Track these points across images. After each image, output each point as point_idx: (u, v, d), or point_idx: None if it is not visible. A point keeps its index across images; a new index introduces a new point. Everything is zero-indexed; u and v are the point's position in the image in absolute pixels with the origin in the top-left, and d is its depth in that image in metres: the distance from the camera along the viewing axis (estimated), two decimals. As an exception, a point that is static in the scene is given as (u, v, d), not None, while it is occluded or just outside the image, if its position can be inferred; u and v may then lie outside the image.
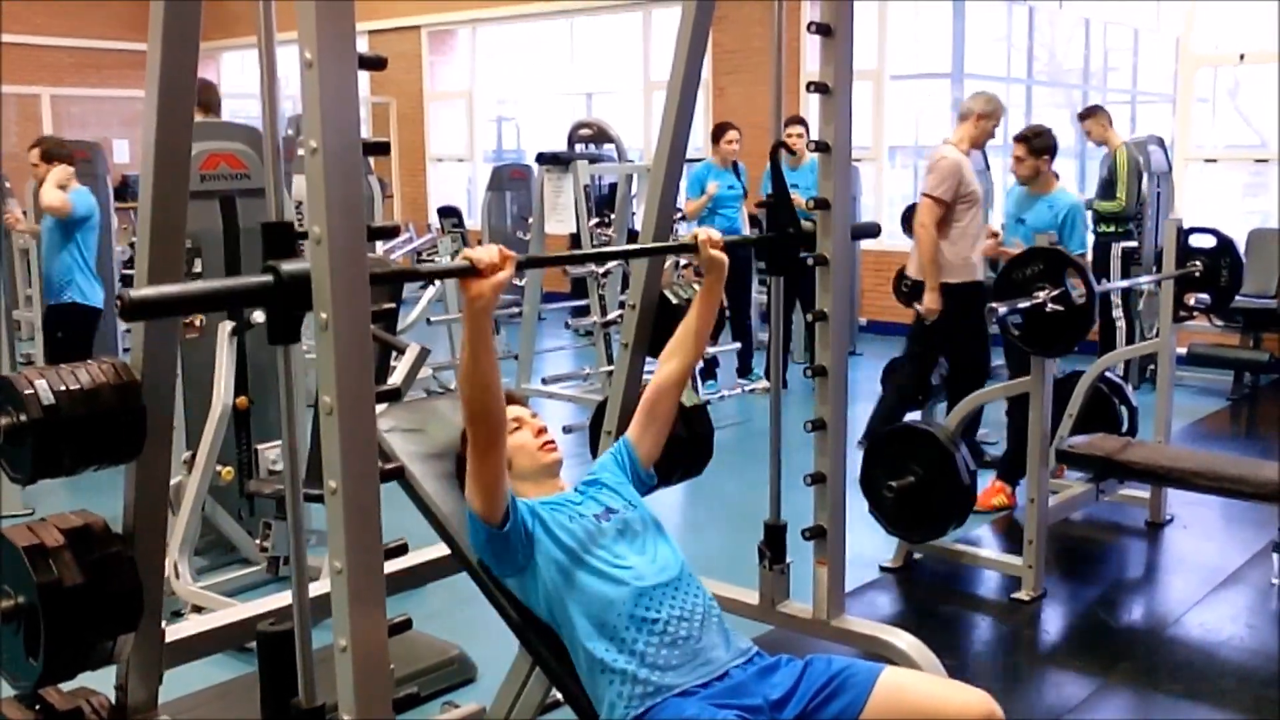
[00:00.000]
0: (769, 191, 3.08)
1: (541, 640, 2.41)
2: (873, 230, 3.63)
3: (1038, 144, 5.46)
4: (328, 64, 1.66)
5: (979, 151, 8.83)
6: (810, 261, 3.04)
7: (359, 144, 1.72)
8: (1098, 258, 7.60)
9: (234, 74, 16.21)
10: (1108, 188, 7.70)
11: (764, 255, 3.20)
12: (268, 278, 1.78)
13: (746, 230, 7.97)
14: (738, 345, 7.79)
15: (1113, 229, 7.67)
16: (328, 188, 1.68)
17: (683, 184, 4.57)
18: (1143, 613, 4.50)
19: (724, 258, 2.73)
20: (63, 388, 2.00)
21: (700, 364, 6.90)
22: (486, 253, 2.10)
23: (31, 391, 1.97)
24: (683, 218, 7.69)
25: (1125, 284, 5.95)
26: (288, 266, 1.77)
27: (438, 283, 8.06)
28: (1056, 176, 5.79)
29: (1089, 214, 7.44)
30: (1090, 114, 8.08)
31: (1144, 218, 8.04)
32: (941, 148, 5.50)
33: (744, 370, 7.83)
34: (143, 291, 1.74)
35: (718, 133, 7.78)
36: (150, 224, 2.14)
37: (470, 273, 2.10)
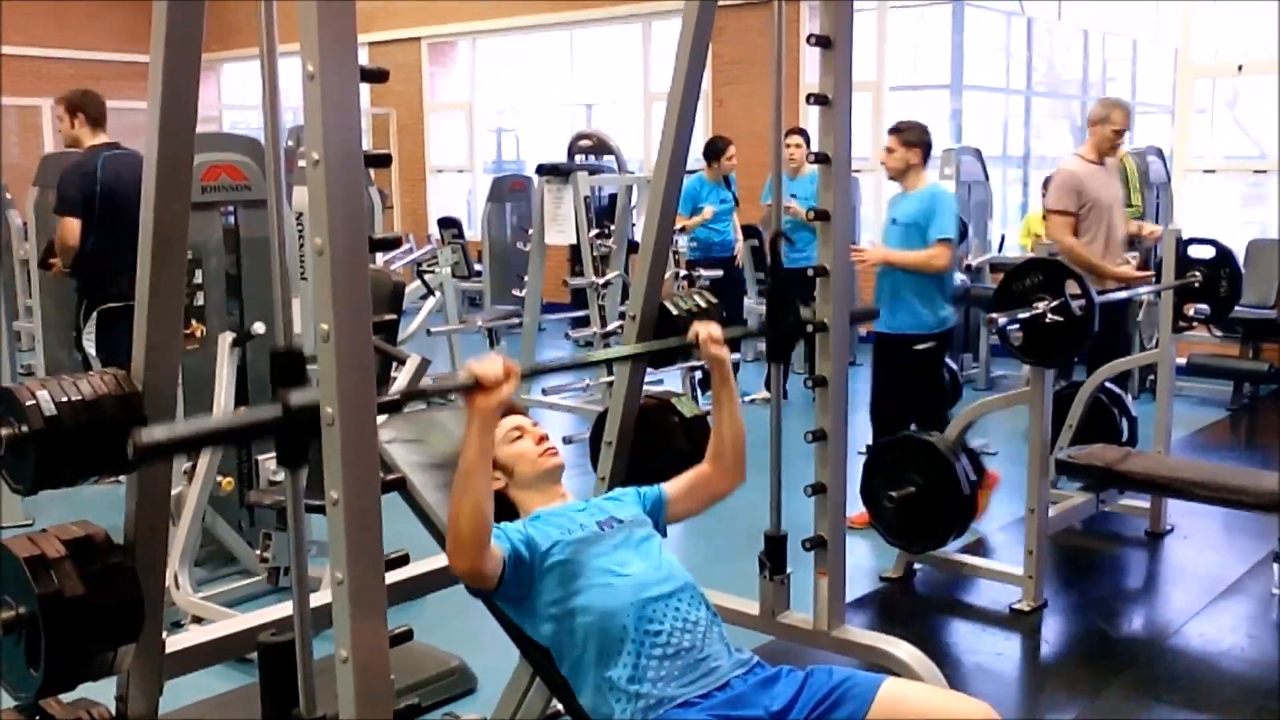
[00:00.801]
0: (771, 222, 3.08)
1: (542, 651, 2.41)
2: (870, 315, 3.66)
3: (910, 136, 5.23)
4: (329, 76, 1.67)
5: (974, 157, 8.89)
6: (810, 272, 3.05)
7: (360, 156, 1.73)
8: None
9: (235, 85, 16.23)
10: None
11: (766, 344, 3.19)
12: (276, 410, 1.81)
13: (740, 241, 8.03)
14: (735, 356, 7.79)
15: None
16: (329, 199, 1.68)
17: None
18: (1143, 623, 4.50)
19: (726, 354, 2.68)
20: (64, 398, 2.00)
21: (700, 374, 6.91)
22: (491, 368, 2.11)
23: (33, 402, 1.97)
24: (681, 230, 7.70)
25: (1125, 294, 5.95)
26: (296, 397, 1.80)
27: (438, 293, 8.08)
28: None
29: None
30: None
31: None
32: (1062, 160, 5.54)
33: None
34: (154, 434, 1.76)
35: (717, 150, 7.80)
36: (152, 235, 2.14)
37: (475, 388, 2.11)
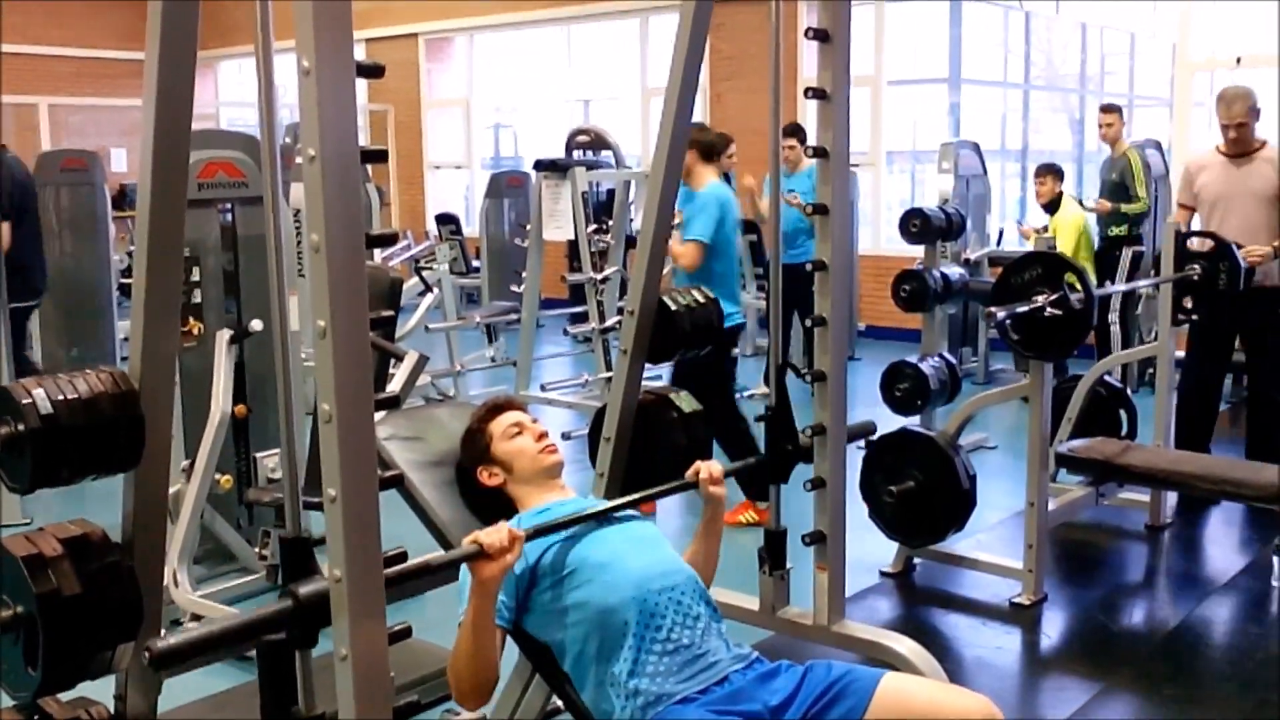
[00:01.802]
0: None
1: (542, 648, 2.41)
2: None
3: (697, 136, 5.21)
4: (326, 72, 1.66)
5: (973, 152, 8.89)
6: (809, 267, 3.05)
7: (357, 152, 1.72)
8: (1104, 261, 7.62)
9: (231, 83, 16.22)
10: (1117, 190, 7.71)
11: (768, 471, 3.19)
12: (287, 603, 1.85)
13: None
14: (734, 352, 7.77)
15: (1125, 231, 7.70)
16: (326, 195, 1.68)
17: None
18: (1143, 616, 4.50)
19: (724, 494, 2.69)
20: (61, 397, 2.00)
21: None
22: (496, 535, 2.13)
23: (29, 401, 1.97)
24: (678, 225, 7.68)
25: (1124, 288, 5.95)
26: (305, 590, 1.84)
27: (436, 289, 8.07)
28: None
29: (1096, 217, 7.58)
30: (1115, 110, 8.17)
31: (1156, 221, 8.07)
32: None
33: None
34: (168, 643, 1.82)
35: (718, 148, 7.78)
36: (149, 232, 2.13)
37: (479, 556, 2.12)
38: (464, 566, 2.22)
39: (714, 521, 2.70)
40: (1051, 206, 7.78)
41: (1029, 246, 6.88)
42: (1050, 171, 7.96)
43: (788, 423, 3.07)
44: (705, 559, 2.66)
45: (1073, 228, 7.61)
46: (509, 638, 2.41)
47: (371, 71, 1.79)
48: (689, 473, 2.69)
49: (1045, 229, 7.44)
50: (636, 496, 2.67)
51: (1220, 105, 5.45)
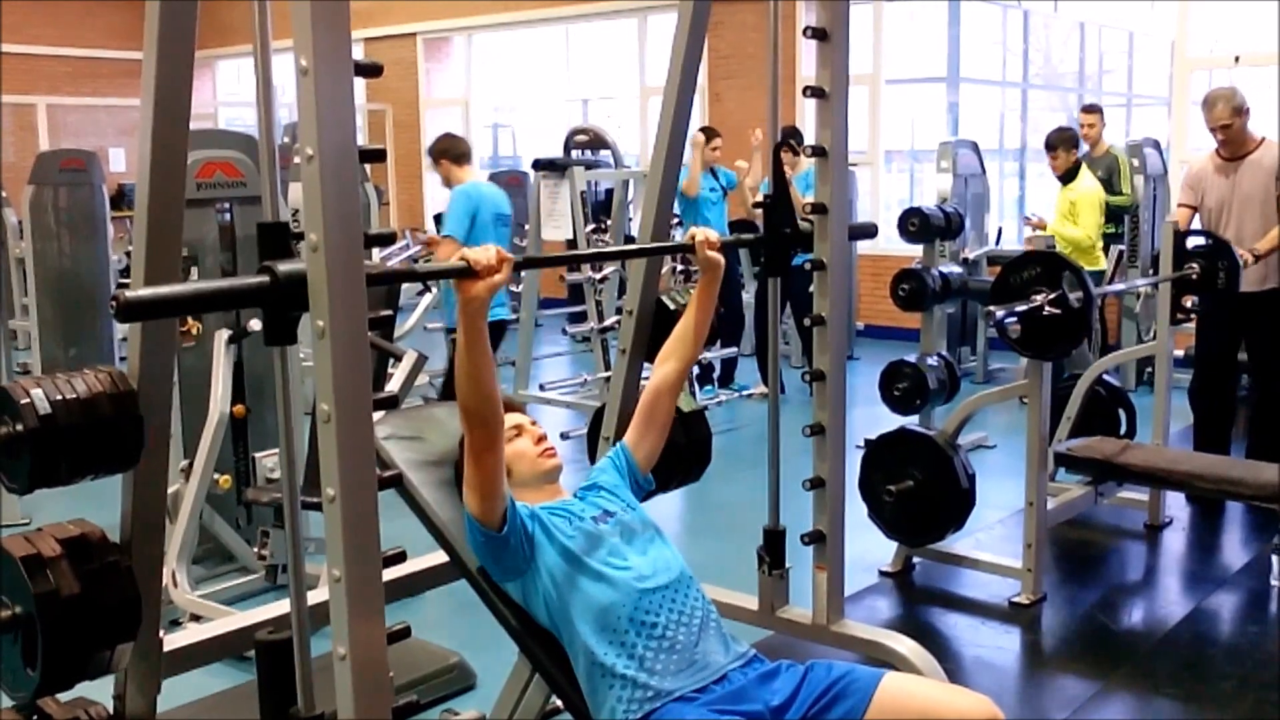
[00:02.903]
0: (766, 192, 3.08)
1: (541, 647, 2.41)
2: (870, 230, 3.62)
3: (433, 148, 5.97)
4: (324, 71, 1.66)
5: (971, 151, 8.89)
6: (807, 266, 3.04)
7: (355, 151, 1.72)
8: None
9: (229, 82, 16.21)
10: (1105, 186, 7.70)
11: (761, 255, 3.19)
12: (264, 278, 1.78)
13: (727, 233, 7.99)
14: (733, 350, 7.78)
15: (1112, 229, 7.70)
16: (324, 195, 1.67)
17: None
18: (1142, 616, 4.50)
19: (720, 258, 2.73)
20: (59, 397, 1.99)
21: (697, 369, 6.90)
22: (484, 254, 2.11)
23: (28, 401, 1.97)
24: (679, 223, 7.69)
25: (1122, 287, 5.95)
26: (284, 267, 1.78)
27: (434, 289, 8.07)
28: None
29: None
30: (1096, 111, 8.15)
31: (1139, 220, 8.11)
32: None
33: (726, 379, 7.81)
34: (138, 293, 1.74)
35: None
36: (147, 232, 2.13)
37: (467, 274, 2.10)
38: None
39: (710, 287, 2.77)
40: (1068, 176, 7.05)
41: (1042, 233, 6.84)
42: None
43: (786, 208, 3.05)
44: (696, 318, 2.75)
45: (1091, 202, 6.92)
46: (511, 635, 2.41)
47: (370, 71, 1.79)
48: (686, 236, 2.76)
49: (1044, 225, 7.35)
50: (633, 249, 2.80)
51: (1203, 109, 5.45)
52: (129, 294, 1.71)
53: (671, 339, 2.79)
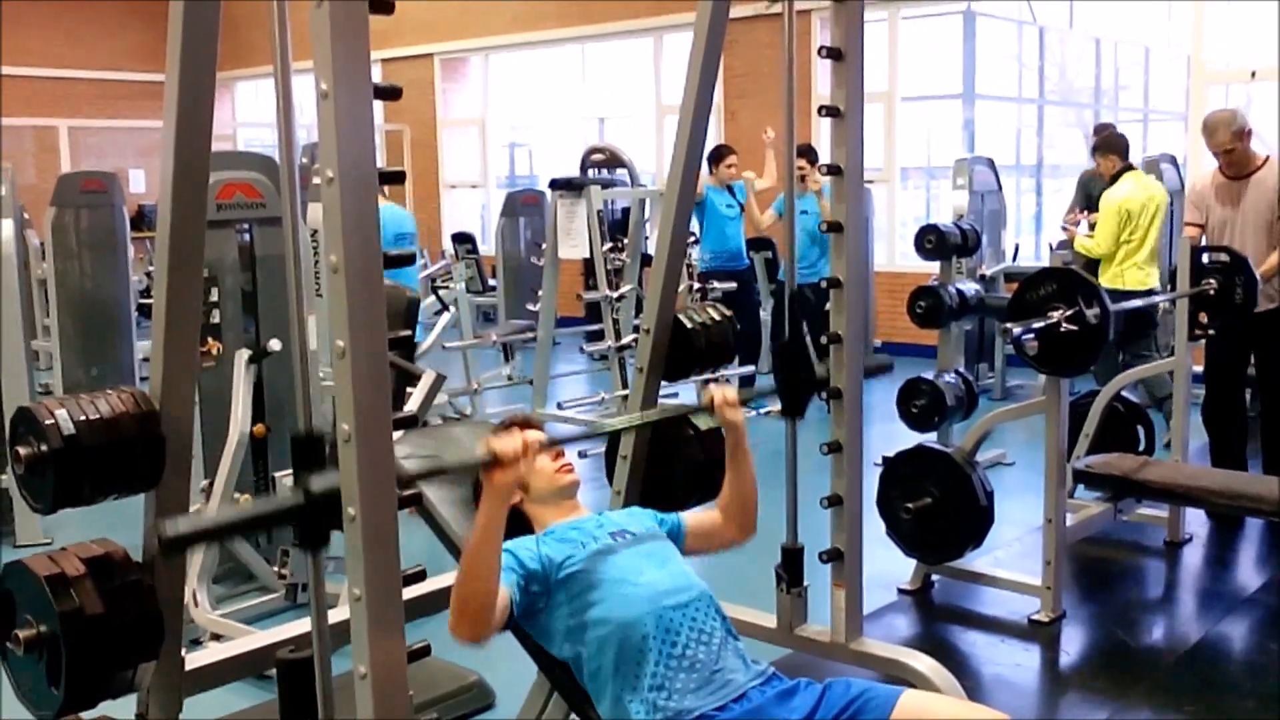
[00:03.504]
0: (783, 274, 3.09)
1: (559, 666, 2.41)
2: (886, 367, 3.66)
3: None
4: (343, 95, 1.68)
5: (987, 167, 8.88)
6: (824, 284, 3.05)
7: (375, 173, 1.74)
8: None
9: (248, 103, 16.31)
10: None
11: (779, 396, 3.19)
12: (299, 497, 1.83)
13: (743, 250, 8.01)
14: (750, 368, 7.77)
15: None
16: (344, 216, 1.69)
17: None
18: (1162, 633, 4.47)
19: (741, 417, 2.66)
20: (83, 417, 2.02)
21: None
22: (509, 444, 2.10)
23: (52, 421, 1.99)
24: (695, 242, 7.71)
25: (1139, 303, 5.93)
26: (317, 484, 1.82)
27: (452, 308, 8.10)
28: None
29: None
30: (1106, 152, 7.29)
31: (1173, 236, 8.04)
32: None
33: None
34: (178, 528, 1.78)
35: (716, 156, 7.83)
36: (169, 253, 2.16)
37: (492, 464, 2.10)
38: None
39: (738, 447, 2.67)
40: (1112, 182, 6.67)
41: (1081, 228, 6.73)
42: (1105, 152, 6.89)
43: (801, 354, 3.05)
44: (741, 485, 2.66)
45: (1107, 210, 6.52)
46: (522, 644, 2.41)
47: (389, 94, 1.81)
48: (704, 399, 2.66)
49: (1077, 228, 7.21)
50: (651, 416, 2.75)
51: (1204, 135, 5.42)
52: (169, 531, 1.76)
53: (729, 504, 2.69)
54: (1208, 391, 5.62)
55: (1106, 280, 6.33)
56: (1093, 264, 6.47)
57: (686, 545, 2.65)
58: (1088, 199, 7.64)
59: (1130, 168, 6.68)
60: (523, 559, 2.33)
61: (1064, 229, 7.27)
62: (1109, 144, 6.77)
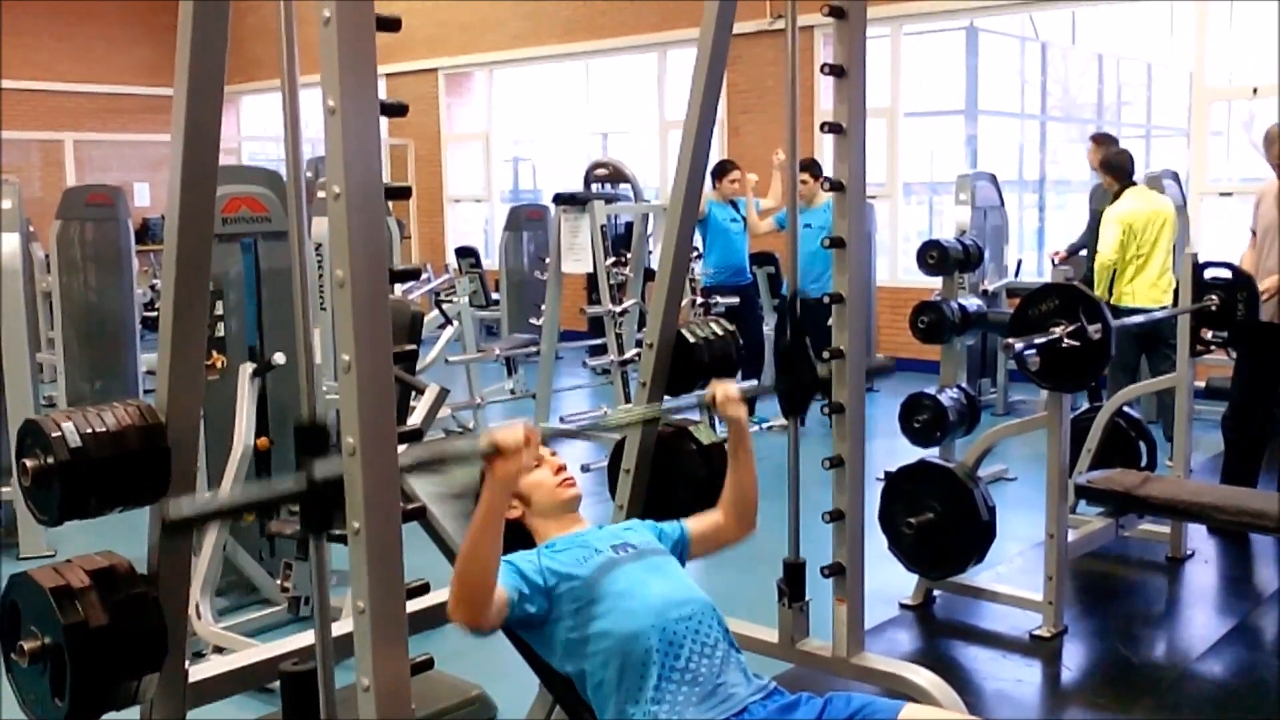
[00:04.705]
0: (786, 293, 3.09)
1: (561, 679, 2.41)
2: (887, 369, 3.66)
3: None
4: (351, 111, 1.69)
5: (990, 183, 8.89)
6: (826, 299, 3.06)
7: (381, 189, 1.75)
8: None
9: (253, 117, 16.36)
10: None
11: (780, 399, 3.18)
12: (302, 483, 1.85)
13: (746, 265, 8.02)
14: (753, 382, 7.78)
15: None
16: (351, 232, 1.71)
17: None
18: (1164, 649, 4.47)
19: (744, 412, 2.68)
20: (89, 430, 2.03)
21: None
22: (511, 436, 2.10)
23: (59, 434, 2.00)
24: (699, 256, 7.73)
25: (1141, 319, 5.94)
26: (321, 471, 1.83)
27: (456, 322, 8.11)
28: None
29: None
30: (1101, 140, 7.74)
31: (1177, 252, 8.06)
32: None
33: (747, 411, 7.80)
34: (183, 510, 1.79)
35: (720, 171, 7.85)
36: (175, 267, 2.17)
37: (494, 455, 2.10)
38: None
39: (741, 443, 2.69)
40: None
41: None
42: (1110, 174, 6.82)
43: (804, 356, 3.05)
44: (742, 480, 2.68)
45: (1108, 220, 6.58)
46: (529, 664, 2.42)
47: (395, 110, 1.82)
48: (706, 394, 2.68)
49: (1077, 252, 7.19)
50: (652, 410, 2.80)
51: (1264, 146, 5.47)
52: (174, 513, 1.76)
53: (731, 501, 2.71)
54: (1234, 403, 5.59)
55: (1121, 298, 6.37)
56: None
57: (692, 550, 2.67)
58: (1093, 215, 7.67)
59: (1132, 184, 6.70)
60: (524, 570, 2.34)
61: (1054, 264, 7.32)
62: (1108, 165, 6.80)
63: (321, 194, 1.73)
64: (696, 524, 2.70)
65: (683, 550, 2.65)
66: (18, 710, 2.17)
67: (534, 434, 2.13)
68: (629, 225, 8.73)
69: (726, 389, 2.66)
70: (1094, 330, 4.07)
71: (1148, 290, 6.48)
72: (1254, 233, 5.59)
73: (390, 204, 10.55)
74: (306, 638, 2.68)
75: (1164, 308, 6.34)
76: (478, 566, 2.15)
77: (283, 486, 1.86)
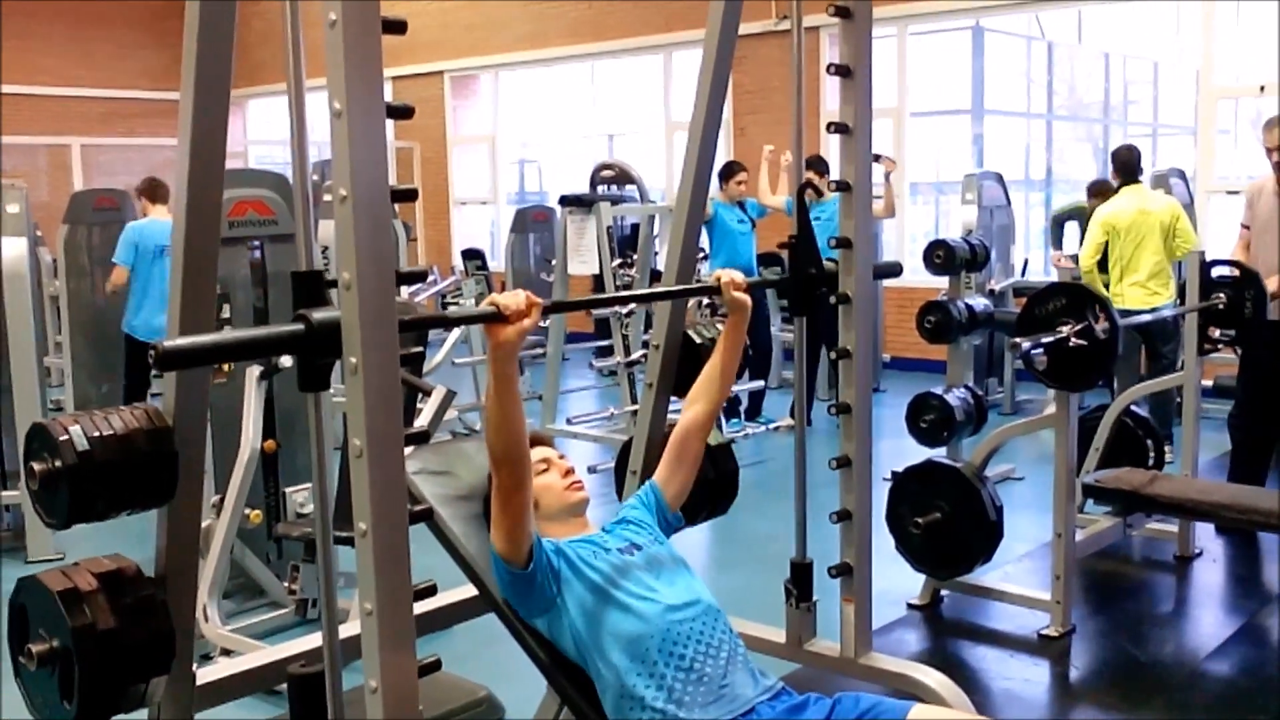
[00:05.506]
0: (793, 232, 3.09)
1: (569, 680, 2.42)
2: (894, 270, 3.63)
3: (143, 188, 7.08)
4: (357, 114, 1.70)
5: (996, 182, 8.88)
6: (833, 300, 3.06)
7: (388, 192, 1.75)
8: None
9: (259, 120, 16.39)
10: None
11: (787, 295, 3.19)
12: (298, 326, 1.81)
13: (754, 266, 8.02)
14: (760, 384, 7.78)
15: None
16: (357, 235, 1.71)
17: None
18: (1172, 648, 4.46)
19: (747, 299, 2.74)
20: (96, 433, 2.03)
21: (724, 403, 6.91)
22: (513, 298, 2.12)
23: (66, 438, 2.00)
24: (705, 258, 7.72)
25: (1148, 318, 5.93)
26: (318, 315, 1.81)
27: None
28: None
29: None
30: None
31: None
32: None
33: (754, 412, 7.80)
34: (175, 342, 1.77)
35: (727, 173, 7.84)
36: (182, 270, 2.17)
37: (496, 318, 2.11)
38: None
39: (738, 327, 2.78)
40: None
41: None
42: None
43: (810, 248, 3.05)
44: (724, 359, 2.78)
45: (1093, 221, 6.70)
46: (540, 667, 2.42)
47: (402, 113, 1.83)
48: (711, 278, 2.78)
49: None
50: (659, 291, 2.77)
51: (1263, 131, 5.45)
52: (167, 344, 1.74)
53: (701, 380, 2.80)
54: (1241, 401, 5.58)
55: (1112, 300, 6.35)
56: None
57: (669, 493, 2.70)
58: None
59: (1129, 183, 6.71)
60: (543, 544, 2.39)
61: (1056, 266, 7.33)
62: (1114, 158, 6.82)
63: (328, 197, 1.73)
64: (660, 471, 2.74)
65: (663, 507, 2.68)
66: (25, 711, 2.17)
67: (536, 300, 2.15)
68: (635, 227, 8.74)
69: (733, 274, 2.75)
70: (1101, 329, 4.07)
71: (1138, 293, 6.50)
72: (1245, 226, 5.59)
73: (396, 206, 10.59)
74: (314, 640, 2.69)
75: (1156, 309, 6.35)
76: (506, 429, 2.23)
77: (279, 330, 1.82)
